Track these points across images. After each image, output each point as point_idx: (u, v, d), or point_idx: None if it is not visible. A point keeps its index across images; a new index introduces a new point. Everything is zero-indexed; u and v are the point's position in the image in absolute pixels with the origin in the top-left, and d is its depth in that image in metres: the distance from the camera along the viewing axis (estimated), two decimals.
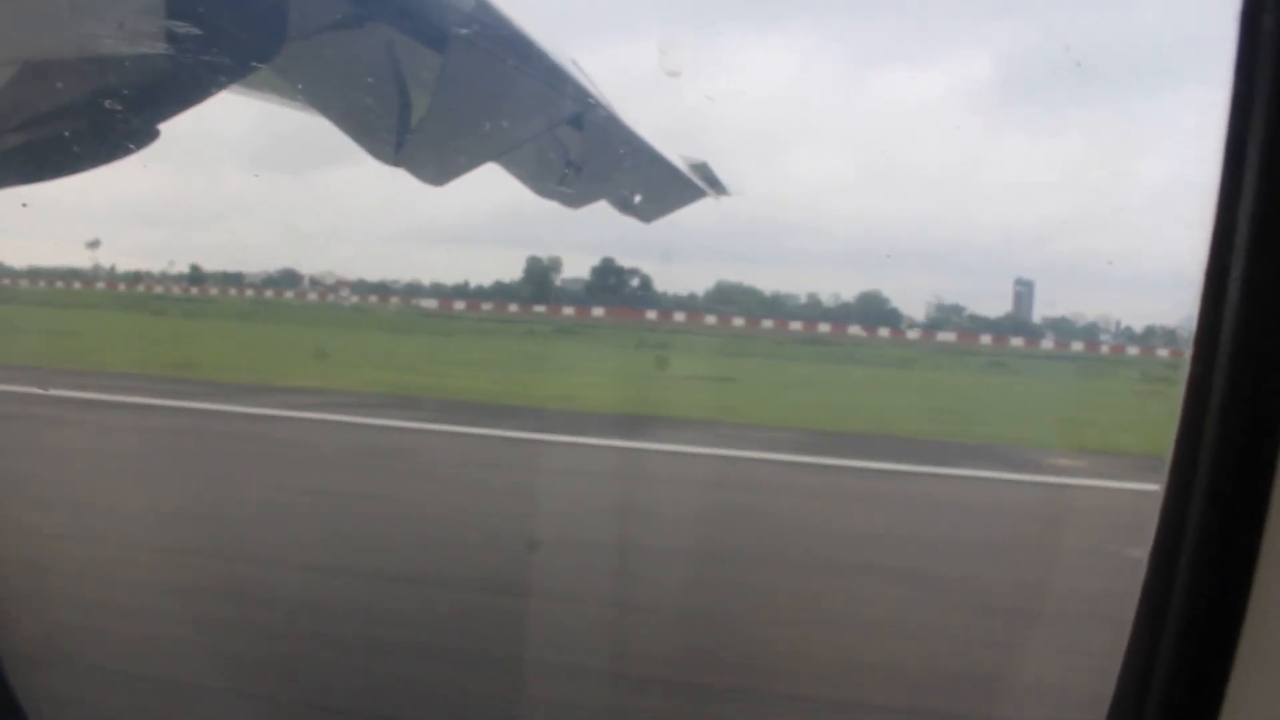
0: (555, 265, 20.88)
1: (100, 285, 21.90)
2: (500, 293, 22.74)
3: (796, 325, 23.64)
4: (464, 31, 4.46)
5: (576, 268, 21.92)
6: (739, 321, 23.60)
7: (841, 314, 22.54)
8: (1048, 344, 19.20)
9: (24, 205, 4.26)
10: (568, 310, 22.43)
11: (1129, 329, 17.81)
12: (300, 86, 4.48)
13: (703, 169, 5.26)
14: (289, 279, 22.50)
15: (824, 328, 23.54)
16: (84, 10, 3.86)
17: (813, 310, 23.00)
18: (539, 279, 20.98)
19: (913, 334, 21.27)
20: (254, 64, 4.24)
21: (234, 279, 22.80)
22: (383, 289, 22.46)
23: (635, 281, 22.35)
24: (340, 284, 21.99)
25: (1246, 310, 1.69)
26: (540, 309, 22.34)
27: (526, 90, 4.64)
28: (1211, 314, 1.73)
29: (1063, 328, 19.10)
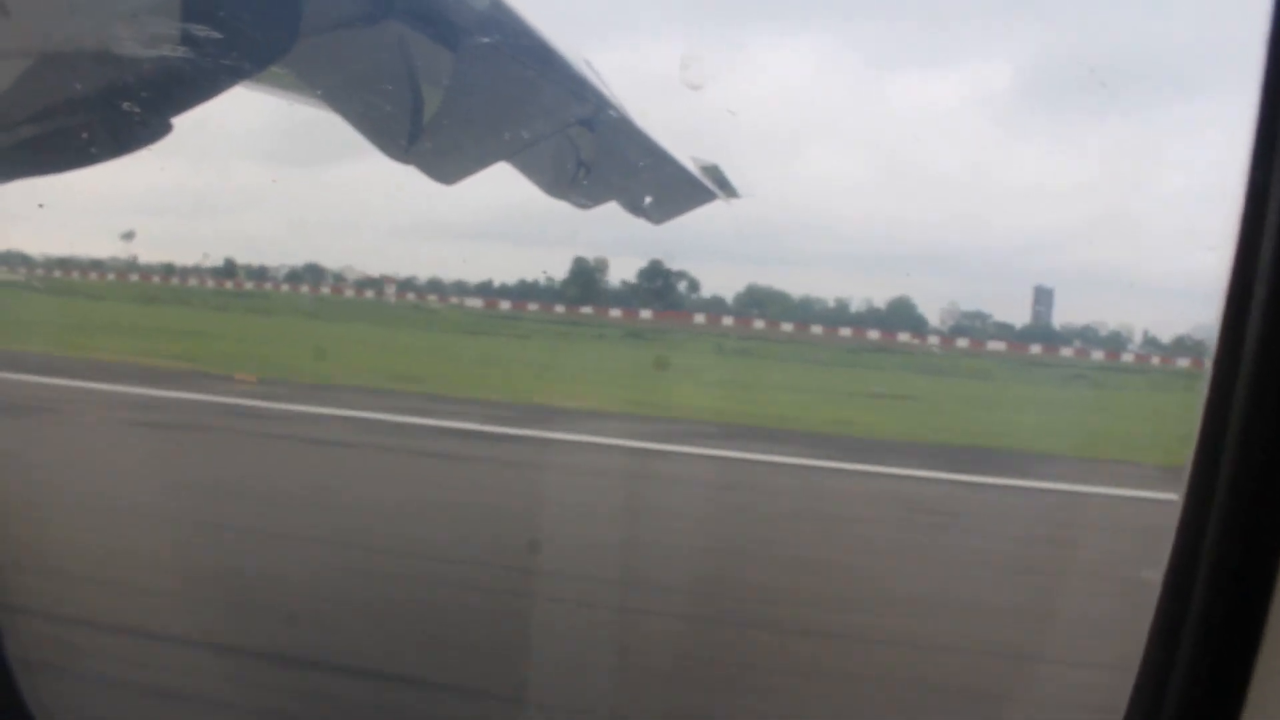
0: (601, 266, 20.91)
1: (134, 278, 22.29)
2: (538, 293, 22.80)
3: (846, 331, 23.46)
4: (477, 30, 4.48)
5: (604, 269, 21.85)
6: (787, 327, 23.50)
7: (874, 319, 22.35)
8: (1098, 355, 18.81)
9: (40, 206, 4.33)
10: (614, 312, 22.46)
11: (1155, 339, 17.40)
12: (312, 83, 4.52)
13: (714, 171, 5.23)
14: (313, 273, 22.70)
15: (873, 334, 23.33)
16: (98, 5, 3.93)
17: (844, 315, 22.84)
18: (584, 280, 21.01)
19: (962, 342, 20.99)
20: (267, 61, 4.29)
21: (257, 273, 23.06)
22: (422, 287, 22.56)
23: (683, 285, 22.36)
24: (387, 280, 22.16)
25: (1269, 324, 1.69)
26: (586, 310, 22.38)
27: (539, 90, 4.65)
28: (1233, 328, 1.73)
29: (1088, 336, 18.75)
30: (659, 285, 21.49)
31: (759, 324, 23.53)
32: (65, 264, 21.98)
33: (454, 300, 22.62)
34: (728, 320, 23.20)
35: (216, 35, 3.86)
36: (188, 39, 3.83)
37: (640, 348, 20.42)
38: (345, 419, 11.80)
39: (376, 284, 22.33)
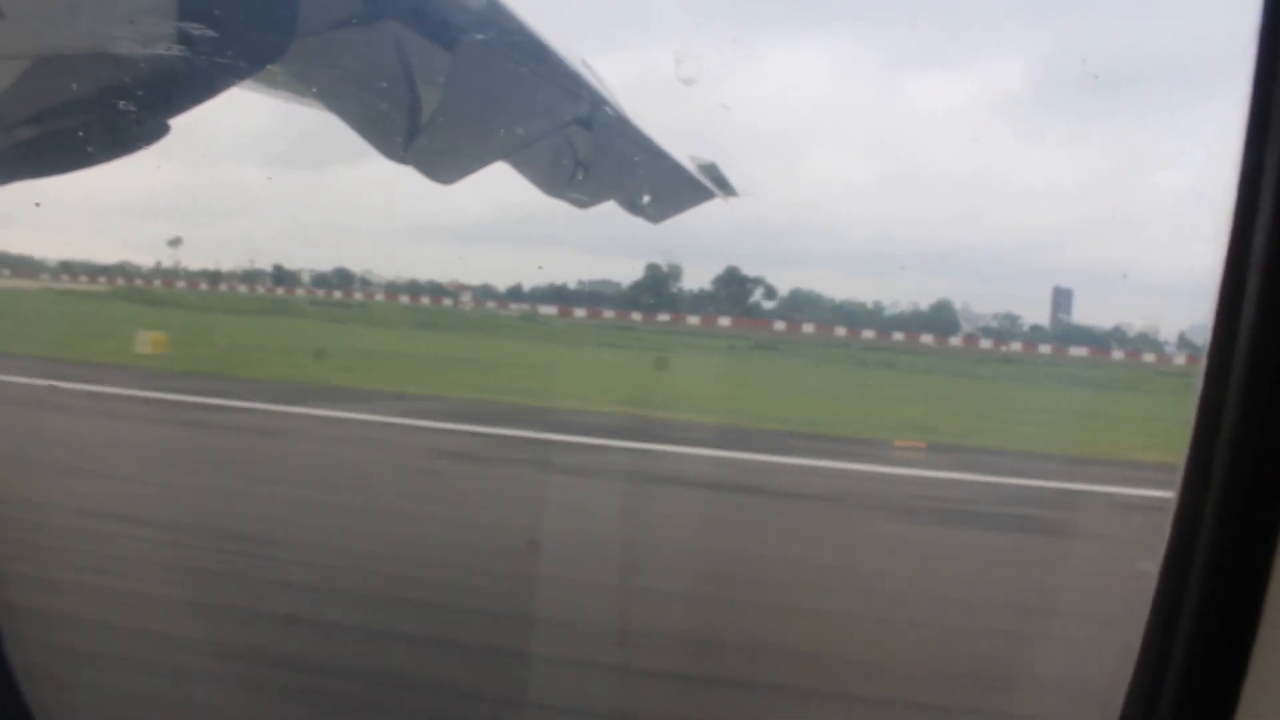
0: (675, 272, 20.85)
1: (181, 285, 22.86)
2: (611, 300, 22.78)
3: (927, 339, 23.02)
4: (474, 31, 4.47)
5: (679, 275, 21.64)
6: (869, 334, 23.16)
7: (918, 323, 21.99)
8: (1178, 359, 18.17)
9: (37, 204, 4.44)
10: (692, 319, 22.36)
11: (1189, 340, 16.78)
12: (310, 83, 4.57)
13: (711, 170, 5.14)
14: (341, 278, 23.03)
15: (954, 341, 22.86)
16: (96, 8, 4.02)
17: (878, 319, 22.52)
18: (658, 286, 20.97)
19: (1044, 348, 20.46)
20: (264, 62, 4.35)
21: (290, 277, 23.45)
22: (487, 294, 22.65)
23: (760, 291, 22.23)
24: (461, 287, 22.39)
25: (1261, 323, 1.68)
26: (664, 317, 22.29)
27: (536, 90, 4.62)
28: (1226, 327, 1.72)
29: (1117, 337, 18.18)
30: (733, 291, 21.38)
31: (840, 331, 23.26)
32: (111, 271, 22.63)
33: (522, 307, 22.70)
34: (808, 328, 22.95)
35: (213, 35, 3.92)
36: (184, 40, 3.89)
37: (805, 363, 19.61)
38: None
39: (444, 292, 22.51)
